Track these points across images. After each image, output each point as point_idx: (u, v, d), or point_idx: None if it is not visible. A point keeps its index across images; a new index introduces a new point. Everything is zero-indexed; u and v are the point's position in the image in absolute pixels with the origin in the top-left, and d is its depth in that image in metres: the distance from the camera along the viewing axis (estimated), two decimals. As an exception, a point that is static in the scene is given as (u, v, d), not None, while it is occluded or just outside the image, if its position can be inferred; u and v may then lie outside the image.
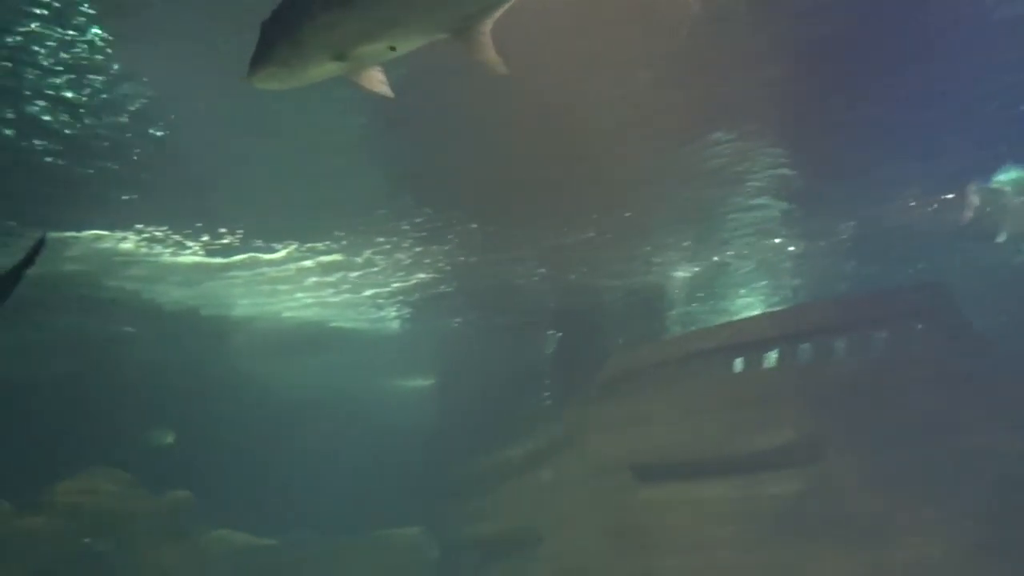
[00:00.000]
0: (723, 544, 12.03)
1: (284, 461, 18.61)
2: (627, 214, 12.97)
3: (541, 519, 14.85)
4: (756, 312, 17.11)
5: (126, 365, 17.76)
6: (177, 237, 13.06)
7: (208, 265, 14.23)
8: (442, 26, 3.11)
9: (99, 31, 8.31)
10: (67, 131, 10.10)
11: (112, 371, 17.33)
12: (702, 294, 16.64)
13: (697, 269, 15.37)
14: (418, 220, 12.67)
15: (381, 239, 13.30)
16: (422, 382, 22.53)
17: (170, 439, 14.54)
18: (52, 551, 11.12)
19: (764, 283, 16.54)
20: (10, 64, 8.78)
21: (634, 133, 10.15)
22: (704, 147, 10.84)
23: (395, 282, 15.48)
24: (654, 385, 13.36)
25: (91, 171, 11.24)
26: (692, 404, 12.61)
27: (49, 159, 10.91)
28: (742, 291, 16.83)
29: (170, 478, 13.36)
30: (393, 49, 3.15)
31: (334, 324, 18.31)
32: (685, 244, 14.29)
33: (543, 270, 15.14)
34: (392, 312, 17.65)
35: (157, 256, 13.88)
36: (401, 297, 16.51)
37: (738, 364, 12.94)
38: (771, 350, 12.67)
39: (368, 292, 15.96)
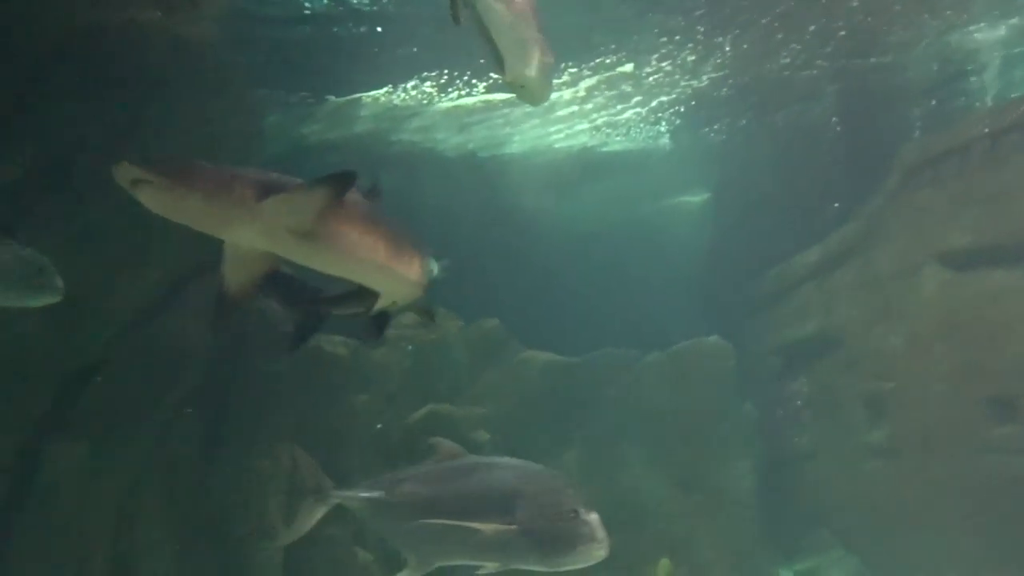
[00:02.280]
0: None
1: (576, 287, 19.45)
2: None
3: (843, 321, 14.39)
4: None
5: (420, 212, 19.21)
6: (465, 77, 13.56)
7: (492, 102, 14.70)
8: None
9: None
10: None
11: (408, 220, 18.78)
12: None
13: (1014, 22, 13.16)
14: (698, 12, 12.02)
15: (664, 39, 12.84)
16: (700, 197, 22.16)
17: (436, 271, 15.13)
18: (396, 379, 12.69)
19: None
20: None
21: None
22: None
23: (674, 90, 15.00)
24: (967, 165, 12.03)
25: (367, 32, 11.92)
26: (1019, 180, 11.23)
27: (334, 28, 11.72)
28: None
29: (476, 309, 14.45)
30: None
31: (606, 149, 18.35)
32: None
33: (827, 54, 13.78)
34: (664, 127, 17.27)
35: (440, 102, 14.58)
36: (675, 108, 16.06)
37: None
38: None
39: (651, 104, 15.67)
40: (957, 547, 11.55)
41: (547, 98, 4.88)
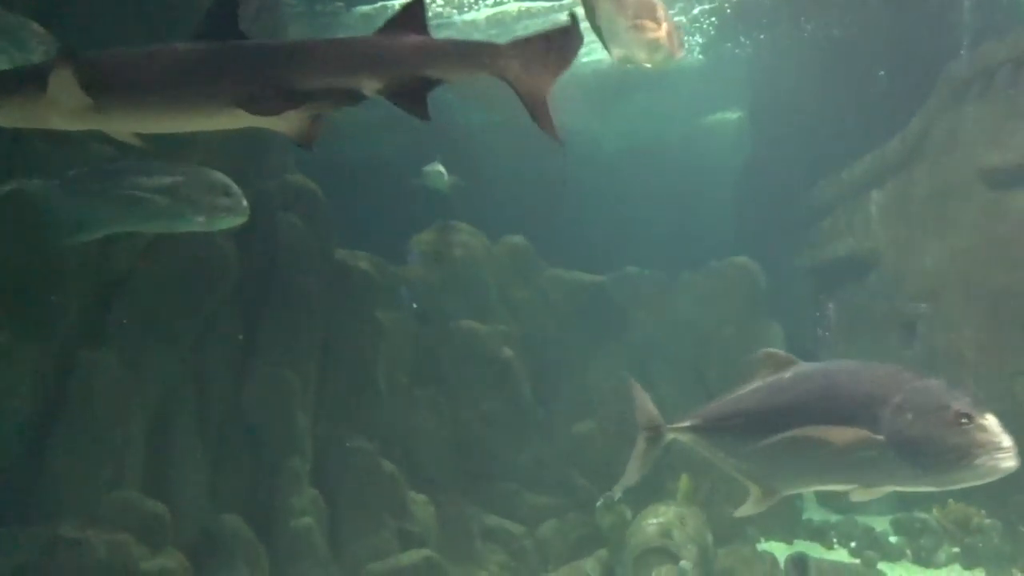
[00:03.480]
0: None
1: (604, 205, 19.22)
2: None
3: (880, 241, 14.11)
4: None
5: (448, 131, 18.90)
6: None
7: (531, 10, 14.23)
8: None
9: None
10: None
11: (439, 140, 18.51)
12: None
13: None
14: None
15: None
16: (734, 115, 21.60)
17: (446, 179, 14.41)
18: (425, 294, 12.70)
19: None
20: None
21: None
22: None
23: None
24: (1019, 79, 11.51)
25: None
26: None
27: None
28: None
29: (503, 226, 14.31)
30: None
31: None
32: None
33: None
34: (699, 38, 16.70)
35: (478, 8, 14.11)
36: (711, 19, 15.47)
37: None
38: None
39: (692, 11, 15.09)
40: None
41: (661, 65, 5.25)
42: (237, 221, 6.52)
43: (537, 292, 13.88)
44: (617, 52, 4.85)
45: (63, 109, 3.78)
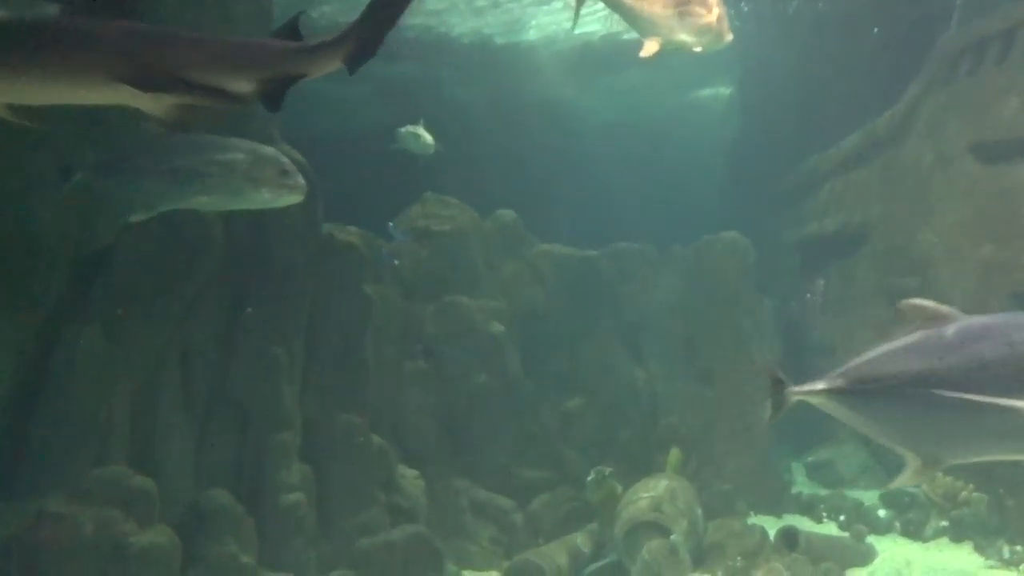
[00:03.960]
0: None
1: (593, 180, 19.12)
2: None
3: (870, 216, 14.09)
4: None
5: (435, 106, 18.72)
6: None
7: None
8: None
9: None
10: None
11: (422, 113, 18.34)
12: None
13: None
14: None
15: None
16: (725, 90, 21.47)
17: (422, 141, 13.93)
18: (413, 269, 12.56)
19: None
20: None
21: None
22: None
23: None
24: (1011, 53, 11.45)
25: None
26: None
27: None
28: None
29: (491, 201, 14.22)
30: None
31: (627, 36, 17.64)
32: None
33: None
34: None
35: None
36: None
37: None
38: None
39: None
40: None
41: (710, 47, 5.50)
42: (296, 199, 6.59)
43: (527, 267, 13.79)
44: (651, 45, 5.29)
45: None
